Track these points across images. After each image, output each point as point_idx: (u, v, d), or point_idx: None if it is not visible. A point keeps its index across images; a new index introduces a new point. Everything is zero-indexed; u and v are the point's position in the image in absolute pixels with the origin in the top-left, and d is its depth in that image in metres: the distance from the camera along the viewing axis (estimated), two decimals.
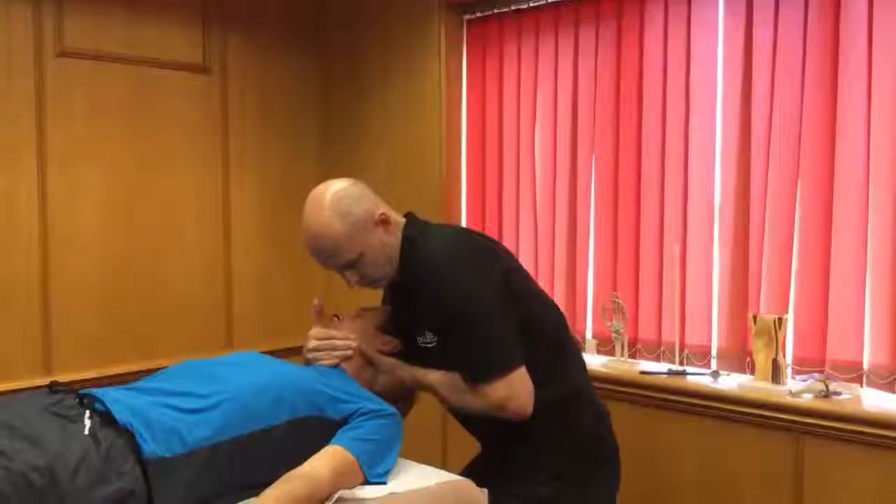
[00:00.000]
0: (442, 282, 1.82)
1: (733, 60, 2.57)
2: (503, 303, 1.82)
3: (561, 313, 2.06)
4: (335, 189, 1.87)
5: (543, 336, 1.92)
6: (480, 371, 1.79)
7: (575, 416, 1.95)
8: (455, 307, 1.80)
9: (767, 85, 2.49)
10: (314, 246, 1.88)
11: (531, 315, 1.90)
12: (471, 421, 2.05)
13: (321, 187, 1.89)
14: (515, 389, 1.78)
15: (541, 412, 1.87)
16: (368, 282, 1.94)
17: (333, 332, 1.95)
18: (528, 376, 1.80)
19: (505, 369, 1.77)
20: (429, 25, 3.23)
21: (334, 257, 1.87)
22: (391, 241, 1.90)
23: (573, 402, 1.96)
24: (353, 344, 1.94)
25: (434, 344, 1.89)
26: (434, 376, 1.89)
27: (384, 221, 1.88)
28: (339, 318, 2.02)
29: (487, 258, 1.89)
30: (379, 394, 1.89)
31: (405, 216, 1.97)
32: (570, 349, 2.02)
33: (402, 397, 1.98)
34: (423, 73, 3.27)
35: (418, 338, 1.91)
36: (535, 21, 3.05)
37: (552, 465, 1.93)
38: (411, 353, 1.96)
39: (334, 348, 1.92)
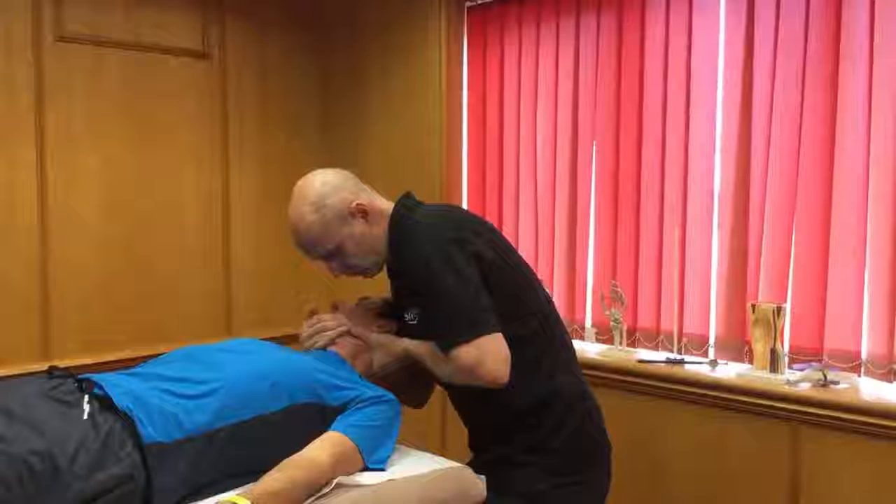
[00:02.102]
0: (415, 256, 1.82)
1: (735, 48, 2.56)
2: (477, 277, 1.80)
3: (552, 306, 2.02)
4: (313, 180, 1.90)
5: (527, 327, 1.89)
6: (450, 336, 1.77)
7: (562, 414, 1.92)
8: (425, 277, 1.80)
9: (768, 72, 2.48)
10: (294, 238, 1.92)
11: (513, 302, 1.87)
12: (459, 408, 2.06)
13: (302, 179, 1.92)
14: (485, 354, 1.74)
15: (525, 410, 1.88)
16: (355, 272, 1.96)
17: (324, 317, 1.99)
18: (503, 343, 1.76)
19: (473, 333, 1.74)
20: (430, 12, 3.22)
21: (313, 249, 1.91)
22: (373, 230, 1.91)
23: (559, 400, 1.92)
24: (345, 323, 1.96)
25: (417, 320, 1.90)
26: (422, 347, 1.89)
27: (361, 212, 1.89)
28: (337, 307, 2.05)
29: (464, 232, 1.86)
30: (378, 380, 1.90)
31: (401, 198, 1.97)
32: (558, 344, 1.98)
33: (405, 385, 1.98)
34: (424, 60, 3.25)
35: (405, 316, 1.93)
36: (537, 8, 3.03)
37: (538, 463, 1.91)
38: (405, 335, 1.97)
39: (325, 330, 1.95)
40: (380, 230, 1.91)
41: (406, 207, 1.94)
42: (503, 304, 1.82)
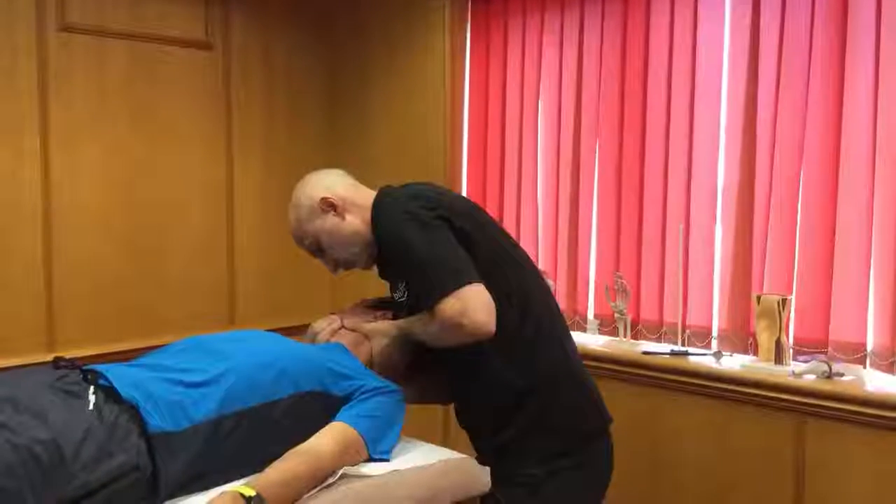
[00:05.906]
0: (390, 226, 1.84)
1: (740, 41, 2.55)
2: (452, 236, 1.78)
3: (541, 287, 1.99)
4: (300, 181, 2.00)
5: (509, 313, 1.85)
6: (433, 291, 1.74)
7: (552, 400, 1.90)
8: (400, 242, 1.80)
9: (773, 65, 2.47)
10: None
11: (492, 272, 1.83)
12: (453, 391, 2.05)
13: None
14: (469, 303, 1.70)
15: (518, 397, 1.87)
16: (344, 265, 2.00)
17: (317, 321, 2.06)
18: (486, 293, 1.73)
19: (454, 284, 1.71)
20: (433, 4, 3.21)
21: (299, 243, 1.99)
22: (351, 223, 1.93)
23: (550, 387, 1.90)
24: (336, 318, 2.02)
25: (406, 296, 1.90)
26: (413, 319, 1.88)
27: (331, 206, 1.92)
28: (334, 314, 2.09)
29: (436, 201, 1.85)
30: (381, 370, 1.90)
31: (381, 188, 1.97)
32: (546, 328, 1.94)
33: (411, 374, 1.99)
34: (427, 51, 3.25)
35: (395, 294, 1.94)
36: (541, 0, 3.02)
37: (535, 448, 1.91)
38: (400, 318, 1.99)
39: (321, 330, 2.02)
40: (357, 222, 1.93)
41: (383, 192, 1.96)
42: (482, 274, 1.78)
